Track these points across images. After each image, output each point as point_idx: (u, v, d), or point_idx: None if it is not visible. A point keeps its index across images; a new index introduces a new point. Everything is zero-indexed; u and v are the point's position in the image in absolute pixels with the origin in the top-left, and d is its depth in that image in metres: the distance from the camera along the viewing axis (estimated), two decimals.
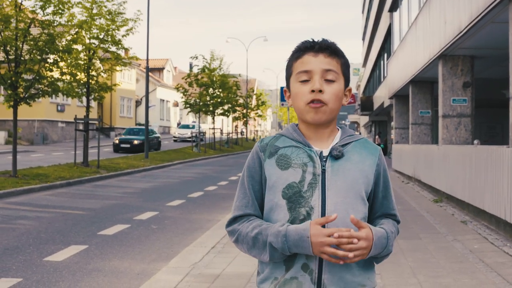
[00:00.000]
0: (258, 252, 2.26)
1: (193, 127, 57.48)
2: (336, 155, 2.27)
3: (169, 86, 74.09)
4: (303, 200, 2.23)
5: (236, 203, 2.39)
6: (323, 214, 2.20)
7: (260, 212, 2.35)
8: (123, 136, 39.88)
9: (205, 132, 46.30)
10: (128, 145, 38.17)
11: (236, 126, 72.55)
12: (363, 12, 64.07)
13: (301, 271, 2.22)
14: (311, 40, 2.35)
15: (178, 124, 74.74)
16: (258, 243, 2.24)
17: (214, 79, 45.29)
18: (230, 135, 58.56)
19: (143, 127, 41.38)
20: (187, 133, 56.55)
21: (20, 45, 18.49)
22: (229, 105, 49.23)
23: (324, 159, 2.28)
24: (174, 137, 58.17)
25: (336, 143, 2.32)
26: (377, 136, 48.01)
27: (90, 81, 24.26)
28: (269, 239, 2.19)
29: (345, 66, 2.34)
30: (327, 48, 2.32)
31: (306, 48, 2.33)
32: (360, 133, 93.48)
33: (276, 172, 2.29)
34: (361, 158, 2.32)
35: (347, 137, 2.36)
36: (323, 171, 2.25)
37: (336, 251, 2.10)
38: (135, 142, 38.42)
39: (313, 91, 2.26)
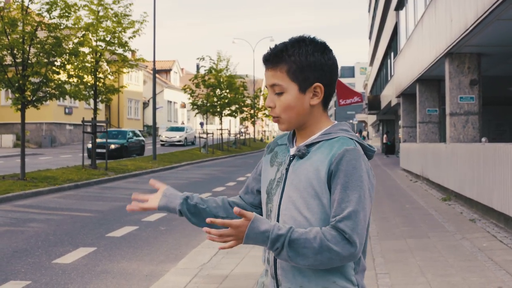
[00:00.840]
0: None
1: (183, 129, 52.85)
2: (297, 155, 2.30)
3: (176, 87, 74.15)
4: (271, 197, 2.34)
5: None
6: (278, 211, 2.28)
7: (247, 198, 2.55)
8: (98, 140, 32.57)
9: (212, 133, 46.01)
10: (103, 150, 30.69)
11: (246, 127, 72.57)
12: (369, 11, 63.99)
13: (267, 265, 2.35)
14: (264, 53, 2.35)
15: (182, 124, 74.18)
16: None
17: (221, 80, 45.33)
18: (238, 135, 58.50)
19: (125, 129, 37.93)
20: (175, 136, 50.60)
21: (27, 48, 18.54)
22: (237, 106, 49.27)
23: (292, 158, 2.33)
24: (162, 141, 50.63)
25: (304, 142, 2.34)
26: (385, 135, 47.95)
27: (97, 83, 24.33)
28: None
29: (294, 69, 2.26)
30: (268, 61, 2.30)
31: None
32: (367, 132, 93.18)
33: (266, 168, 2.43)
34: (320, 157, 2.24)
35: (321, 135, 2.30)
36: (287, 170, 2.31)
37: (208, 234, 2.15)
38: (112, 146, 33.44)
39: None
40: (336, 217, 2.13)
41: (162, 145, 50.22)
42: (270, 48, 2.33)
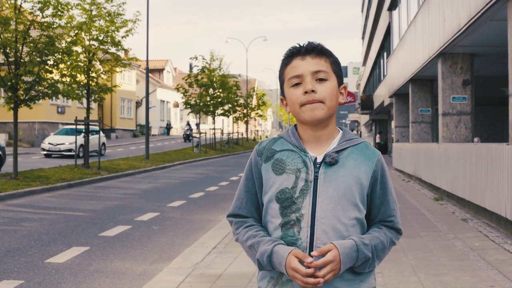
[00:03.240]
0: (253, 260, 2.36)
1: (72, 132, 32.50)
2: (329, 162, 2.30)
3: (169, 87, 74.07)
4: (294, 206, 2.29)
5: (233, 202, 2.50)
6: (312, 220, 2.26)
7: (254, 213, 2.45)
8: None
9: (205, 132, 45.78)
10: None
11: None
12: (362, 11, 64.06)
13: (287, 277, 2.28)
14: (297, 45, 2.40)
15: (168, 124, 72.21)
16: (251, 254, 2.36)
17: (214, 79, 45.29)
18: (231, 135, 58.39)
19: None
20: (64, 142, 32.59)
21: (20, 47, 18.50)
22: (230, 105, 49.23)
23: (318, 165, 2.31)
24: (43, 149, 32.69)
25: (333, 149, 2.34)
26: (377, 135, 48.01)
27: (90, 82, 24.26)
28: (257, 256, 2.30)
29: (334, 64, 2.38)
30: (313, 50, 2.36)
31: (293, 53, 2.38)
32: (360, 132, 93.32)
33: (271, 176, 2.35)
34: (356, 165, 2.33)
35: (345, 142, 2.36)
36: (316, 178, 2.30)
37: (302, 281, 2.19)
38: None
39: (306, 92, 2.30)
40: (392, 218, 2.42)
41: (46, 155, 32.58)
42: (300, 44, 2.41)
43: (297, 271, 2.17)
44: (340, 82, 2.39)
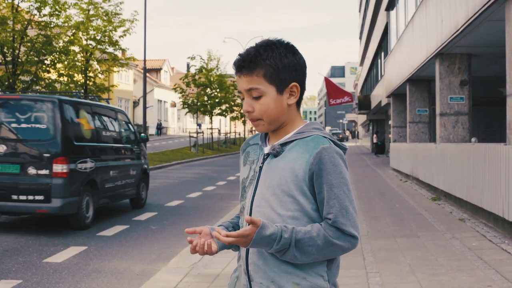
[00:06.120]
0: None
1: None
2: (271, 153, 2.36)
3: (167, 86, 74.03)
4: (244, 194, 2.41)
5: None
6: (250, 208, 2.35)
7: None
8: None
9: (202, 132, 45.66)
10: None
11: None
12: (360, 11, 64.10)
13: (239, 261, 2.41)
14: (235, 60, 2.37)
15: (159, 125, 67.56)
16: None
17: (212, 79, 45.33)
18: (228, 135, 58.37)
19: None
20: None
21: (17, 47, 18.50)
22: (227, 105, 49.25)
23: (265, 157, 2.38)
24: None
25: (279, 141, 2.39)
26: (375, 135, 48.04)
27: (88, 82, 24.27)
28: None
29: (270, 72, 2.30)
30: (243, 67, 2.32)
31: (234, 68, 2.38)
32: (357, 132, 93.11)
33: (241, 167, 2.50)
34: (296, 157, 2.30)
35: (295, 134, 2.36)
36: (260, 169, 2.37)
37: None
38: None
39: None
40: (330, 215, 2.24)
41: None
42: (240, 55, 2.35)
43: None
44: (282, 87, 2.33)
